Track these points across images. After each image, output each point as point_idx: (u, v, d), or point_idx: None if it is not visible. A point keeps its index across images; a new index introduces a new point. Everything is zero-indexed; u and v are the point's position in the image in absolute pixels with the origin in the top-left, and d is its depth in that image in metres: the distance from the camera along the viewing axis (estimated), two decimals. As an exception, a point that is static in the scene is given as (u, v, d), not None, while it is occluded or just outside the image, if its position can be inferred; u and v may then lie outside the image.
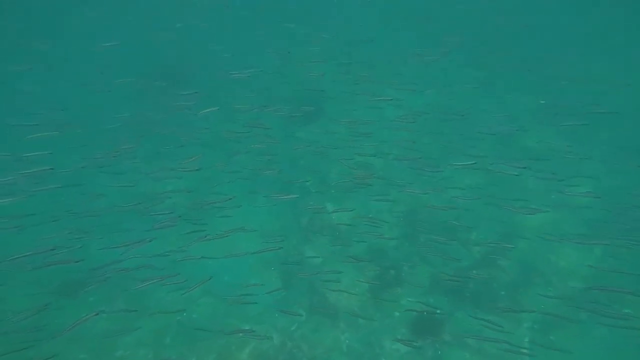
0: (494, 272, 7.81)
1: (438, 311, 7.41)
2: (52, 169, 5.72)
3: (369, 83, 11.01)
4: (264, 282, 8.06)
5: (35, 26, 19.20)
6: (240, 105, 9.76)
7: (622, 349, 6.47)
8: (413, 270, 8.00)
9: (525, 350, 6.68)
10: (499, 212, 8.45)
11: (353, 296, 7.77)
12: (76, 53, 14.47)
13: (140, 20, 16.69)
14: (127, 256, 7.13)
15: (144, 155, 10.86)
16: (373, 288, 7.83)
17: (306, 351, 7.03)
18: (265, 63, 13.03)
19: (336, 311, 7.57)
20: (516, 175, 8.11)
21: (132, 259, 7.18)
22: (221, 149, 10.68)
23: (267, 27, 14.57)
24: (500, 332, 6.15)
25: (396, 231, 8.65)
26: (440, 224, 8.57)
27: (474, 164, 7.86)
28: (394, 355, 6.90)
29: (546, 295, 7.26)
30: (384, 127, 10.25)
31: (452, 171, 9.34)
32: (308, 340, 7.19)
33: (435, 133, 10.35)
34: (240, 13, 17.40)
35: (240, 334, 7.01)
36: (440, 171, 9.17)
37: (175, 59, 14.57)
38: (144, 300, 7.68)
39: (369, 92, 9.79)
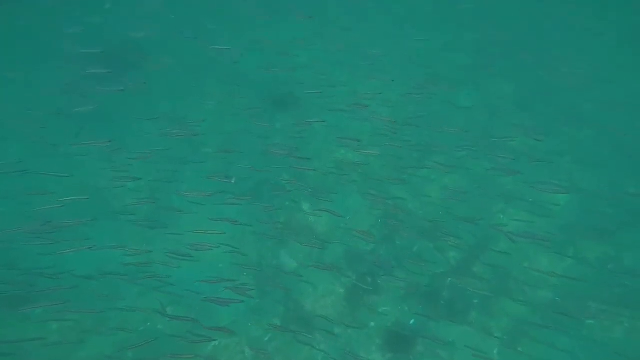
0: (469, 280, 7.86)
1: (412, 321, 7.47)
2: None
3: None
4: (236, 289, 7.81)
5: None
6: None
7: None
8: (389, 276, 7.94)
9: (494, 361, 6.92)
10: (476, 215, 8.43)
11: (329, 304, 7.68)
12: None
13: None
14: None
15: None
16: (349, 295, 7.75)
17: (281, 365, 6.97)
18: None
19: (311, 320, 7.47)
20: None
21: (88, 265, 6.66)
22: (188, 142, 9.85)
23: None
24: (471, 342, 6.30)
25: (374, 234, 8.47)
26: (418, 227, 8.44)
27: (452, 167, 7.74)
28: (369, 367, 6.98)
29: (517, 304, 7.45)
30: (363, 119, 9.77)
31: (430, 171, 9.10)
32: (283, 353, 7.11)
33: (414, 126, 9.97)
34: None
35: (210, 346, 6.83)
36: (419, 170, 8.95)
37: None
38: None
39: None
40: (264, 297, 7.80)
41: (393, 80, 10.51)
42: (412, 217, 8.50)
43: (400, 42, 12.55)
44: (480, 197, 8.54)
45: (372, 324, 7.48)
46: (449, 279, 7.87)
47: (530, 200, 8.45)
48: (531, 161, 8.81)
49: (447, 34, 13.07)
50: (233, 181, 8.72)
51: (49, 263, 6.68)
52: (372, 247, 8.31)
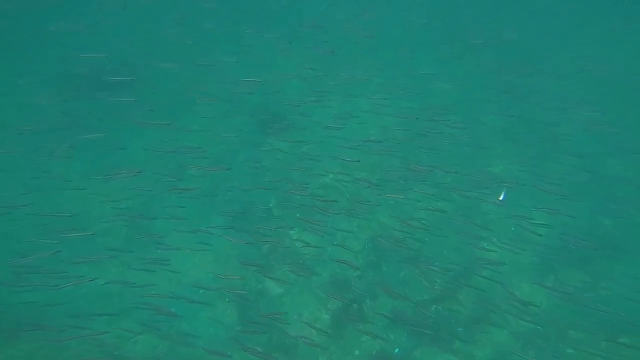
0: (454, 307, 7.93)
1: (397, 350, 7.46)
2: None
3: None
4: (218, 316, 7.70)
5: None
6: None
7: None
8: (375, 303, 7.93)
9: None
10: (461, 240, 8.55)
11: (314, 332, 7.60)
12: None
13: None
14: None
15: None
16: (335, 323, 7.70)
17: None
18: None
19: (296, 349, 7.38)
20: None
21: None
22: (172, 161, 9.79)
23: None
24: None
25: (360, 260, 8.49)
26: (404, 252, 8.50)
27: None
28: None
29: (500, 331, 7.53)
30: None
31: (416, 195, 9.24)
32: (266, 383, 6.97)
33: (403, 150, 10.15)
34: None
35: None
36: (405, 193, 9.08)
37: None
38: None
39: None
40: (246, 323, 7.69)
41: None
42: (398, 242, 8.57)
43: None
44: (465, 224, 8.69)
45: (357, 352, 7.43)
46: (434, 305, 7.92)
47: (513, 229, 8.65)
48: (513, 189, 9.06)
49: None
50: None
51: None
52: (359, 273, 8.33)
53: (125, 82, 10.16)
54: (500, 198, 8.91)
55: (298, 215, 8.96)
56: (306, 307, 7.83)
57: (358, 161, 8.77)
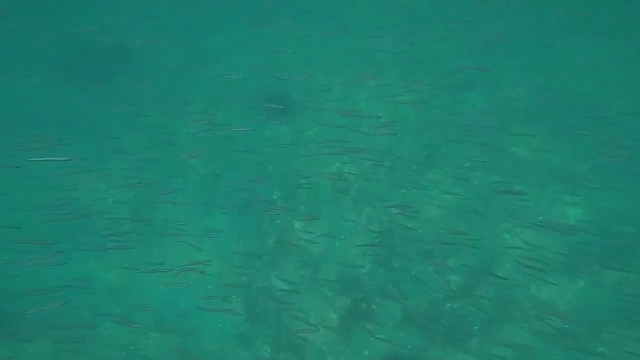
0: (470, 305, 7.38)
1: (409, 347, 7.10)
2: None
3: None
4: (224, 313, 7.59)
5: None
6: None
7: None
8: (385, 301, 7.52)
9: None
10: (479, 234, 7.88)
11: (321, 331, 7.35)
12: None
13: None
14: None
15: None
16: (343, 322, 7.40)
17: (270, 397, 6.75)
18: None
19: (303, 349, 7.19)
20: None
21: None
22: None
23: None
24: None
25: (369, 255, 8.02)
26: (416, 247, 7.94)
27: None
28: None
29: (522, 330, 6.96)
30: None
31: (432, 183, 8.52)
32: (272, 384, 6.89)
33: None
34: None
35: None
36: (419, 183, 8.38)
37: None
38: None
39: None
40: (253, 322, 7.55)
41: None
42: (411, 236, 8.00)
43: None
44: (485, 214, 7.94)
45: (366, 352, 7.14)
46: (449, 304, 7.41)
47: (541, 217, 7.80)
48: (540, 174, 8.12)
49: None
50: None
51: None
52: (368, 269, 7.90)
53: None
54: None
55: (304, 207, 8.52)
56: (313, 306, 7.56)
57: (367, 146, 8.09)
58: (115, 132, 9.39)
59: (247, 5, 12.68)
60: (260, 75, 10.77)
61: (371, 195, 8.48)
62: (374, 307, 7.48)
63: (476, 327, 7.18)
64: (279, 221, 8.38)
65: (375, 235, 8.12)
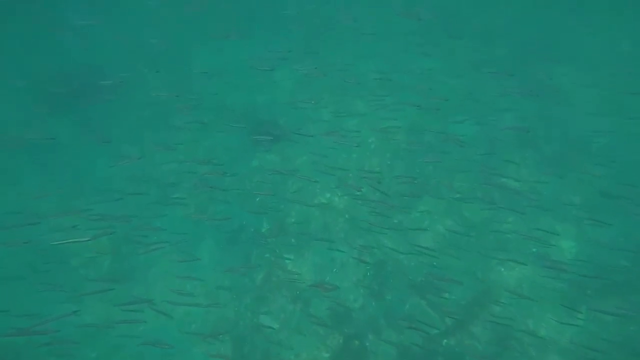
0: (466, 341, 7.10)
1: (404, 390, 6.74)
2: None
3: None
4: (211, 351, 7.16)
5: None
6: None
7: None
8: (378, 338, 7.20)
9: None
10: (474, 266, 7.70)
11: (312, 371, 6.98)
12: None
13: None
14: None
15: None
16: (335, 361, 7.04)
17: None
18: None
19: (293, 392, 6.78)
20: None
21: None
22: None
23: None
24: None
25: (362, 289, 7.75)
26: (409, 280, 7.71)
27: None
28: None
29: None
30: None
31: (422, 214, 8.38)
32: None
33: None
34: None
35: None
36: (409, 213, 8.24)
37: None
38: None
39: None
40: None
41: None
42: (403, 269, 7.78)
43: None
44: (477, 246, 7.79)
45: (360, 394, 6.76)
46: (445, 340, 7.12)
47: (534, 250, 7.67)
48: (533, 206, 8.05)
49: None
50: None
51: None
52: (361, 303, 7.60)
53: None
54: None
55: (293, 240, 8.27)
56: (304, 345, 7.19)
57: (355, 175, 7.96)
58: (96, 165, 9.18)
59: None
60: (248, 100, 10.80)
61: (362, 226, 8.29)
62: (367, 344, 7.15)
63: (473, 365, 6.88)
64: (267, 255, 8.10)
65: (368, 267, 7.87)
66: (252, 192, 8.70)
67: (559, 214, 8.03)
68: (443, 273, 7.56)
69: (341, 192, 8.82)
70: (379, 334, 7.20)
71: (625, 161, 8.89)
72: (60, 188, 8.56)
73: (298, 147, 9.49)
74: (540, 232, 7.36)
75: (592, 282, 7.06)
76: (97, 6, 13.82)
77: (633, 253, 6.67)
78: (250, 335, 7.39)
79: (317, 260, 7.98)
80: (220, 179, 8.78)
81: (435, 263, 7.73)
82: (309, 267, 7.94)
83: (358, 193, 8.51)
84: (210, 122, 10.05)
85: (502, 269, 7.54)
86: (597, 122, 9.68)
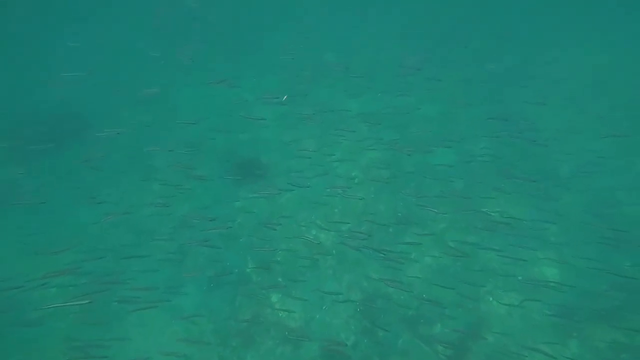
0: (462, 377, 6.90)
1: None
2: None
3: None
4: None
5: None
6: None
7: None
8: (372, 379, 6.90)
9: None
10: (462, 299, 7.64)
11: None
12: None
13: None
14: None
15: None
16: (328, 407, 6.66)
17: None
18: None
19: None
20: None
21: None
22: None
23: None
24: None
25: (352, 326, 7.52)
26: (400, 315, 7.55)
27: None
28: None
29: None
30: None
31: (408, 247, 8.38)
32: None
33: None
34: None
35: None
36: (395, 248, 8.23)
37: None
38: None
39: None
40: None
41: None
42: (393, 303, 7.64)
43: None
44: (465, 276, 7.78)
45: None
46: (440, 376, 6.89)
47: (520, 278, 7.72)
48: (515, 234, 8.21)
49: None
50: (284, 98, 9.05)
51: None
52: (353, 341, 7.34)
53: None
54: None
55: (280, 279, 8.05)
56: (294, 390, 6.81)
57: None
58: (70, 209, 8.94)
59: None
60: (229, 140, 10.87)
61: (350, 262, 8.20)
62: (361, 387, 6.83)
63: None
64: (253, 295, 7.83)
65: (357, 304, 7.70)
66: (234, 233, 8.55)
67: (540, 241, 8.20)
68: (432, 307, 7.46)
69: (327, 227, 8.77)
70: (372, 374, 6.91)
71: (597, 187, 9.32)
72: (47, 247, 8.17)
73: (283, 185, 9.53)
74: (523, 261, 7.47)
75: (580, 309, 7.13)
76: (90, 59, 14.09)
77: (614, 276, 6.80)
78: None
79: (305, 298, 7.75)
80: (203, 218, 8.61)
81: (424, 295, 7.65)
82: (296, 306, 7.68)
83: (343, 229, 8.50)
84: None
85: (491, 298, 7.51)
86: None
